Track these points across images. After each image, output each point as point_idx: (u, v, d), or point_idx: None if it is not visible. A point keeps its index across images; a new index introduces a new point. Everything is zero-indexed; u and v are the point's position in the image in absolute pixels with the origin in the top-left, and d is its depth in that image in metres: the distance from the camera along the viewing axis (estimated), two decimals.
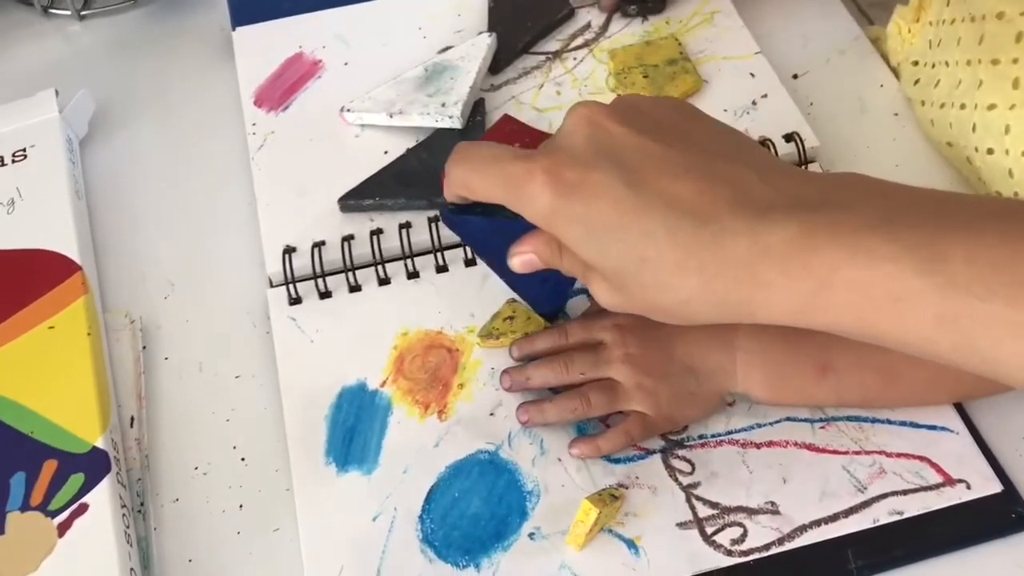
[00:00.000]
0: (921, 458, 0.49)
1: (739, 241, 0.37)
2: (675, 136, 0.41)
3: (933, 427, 0.50)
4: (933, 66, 0.59)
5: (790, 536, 0.47)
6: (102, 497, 0.47)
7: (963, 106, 0.55)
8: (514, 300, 0.54)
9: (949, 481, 0.48)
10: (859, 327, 0.38)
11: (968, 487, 0.48)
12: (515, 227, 0.43)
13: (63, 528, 0.47)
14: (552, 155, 0.40)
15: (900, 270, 0.35)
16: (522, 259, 0.44)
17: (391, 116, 0.62)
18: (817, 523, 0.47)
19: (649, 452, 0.50)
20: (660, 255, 0.38)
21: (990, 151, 0.53)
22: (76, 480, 0.48)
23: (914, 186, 0.39)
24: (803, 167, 0.59)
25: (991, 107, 0.53)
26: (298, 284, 0.56)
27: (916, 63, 0.62)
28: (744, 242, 0.37)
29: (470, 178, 0.43)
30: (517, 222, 0.42)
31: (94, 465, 0.48)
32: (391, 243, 0.57)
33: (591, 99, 0.43)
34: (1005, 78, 0.52)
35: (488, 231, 0.45)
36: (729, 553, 0.47)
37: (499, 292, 0.55)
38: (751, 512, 0.48)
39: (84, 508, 0.47)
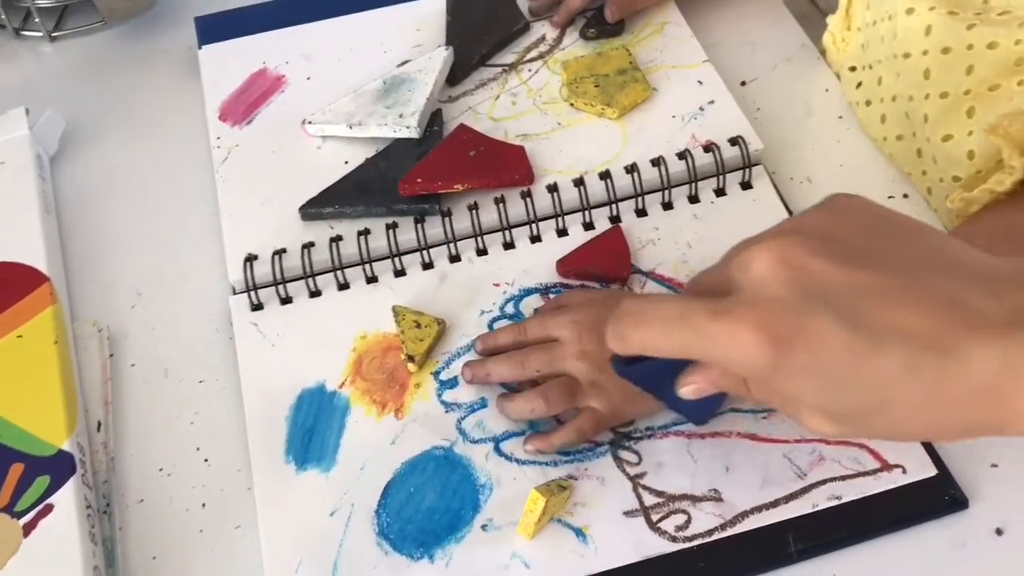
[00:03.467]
0: (859, 444, 0.51)
1: (989, 368, 0.35)
2: (877, 257, 0.37)
3: None
4: (871, 67, 0.61)
5: (732, 522, 0.49)
6: (67, 498, 0.49)
7: (911, 98, 0.57)
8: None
9: (886, 466, 0.50)
10: None
11: (904, 471, 0.50)
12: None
13: (28, 528, 0.48)
14: (755, 308, 0.37)
15: None
16: (693, 388, 0.42)
17: (351, 127, 0.64)
18: (758, 509, 0.49)
19: (598, 444, 0.52)
20: (903, 396, 0.35)
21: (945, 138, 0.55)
22: (42, 482, 0.50)
23: None
24: (747, 170, 0.61)
25: (910, 99, 0.55)
26: (260, 291, 0.58)
27: (853, 68, 0.64)
28: (994, 368, 0.35)
29: (656, 342, 0.39)
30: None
31: (59, 467, 0.50)
32: (350, 249, 0.59)
33: (759, 235, 0.39)
34: (917, 71, 0.54)
35: (662, 369, 0.43)
36: (674, 539, 0.48)
37: (454, 295, 0.58)
38: (695, 500, 0.49)
39: (49, 509, 0.49)
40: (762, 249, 0.37)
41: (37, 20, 0.75)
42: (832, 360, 0.36)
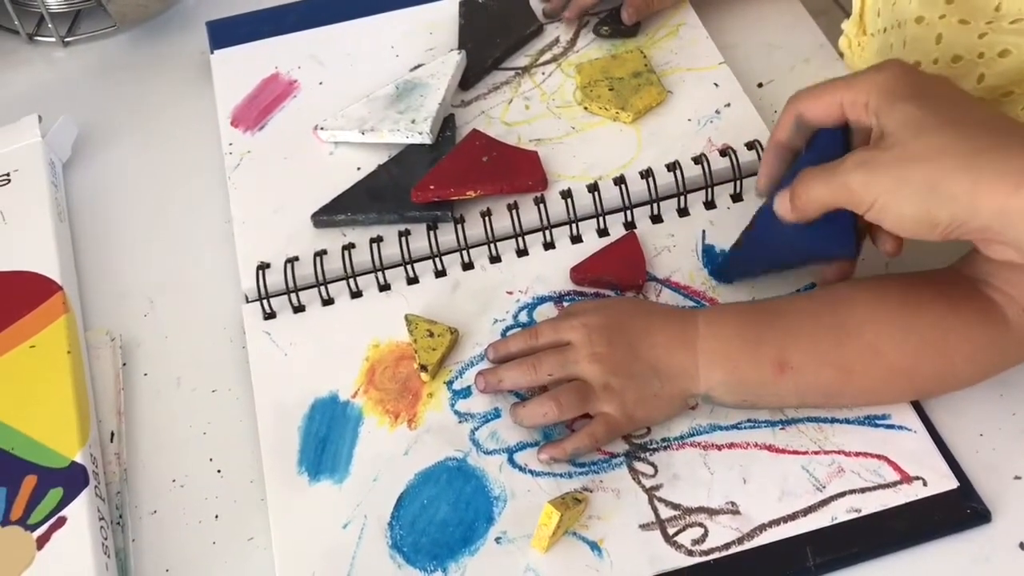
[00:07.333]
0: (879, 456, 0.50)
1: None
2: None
3: (891, 426, 0.51)
4: None
5: (750, 535, 0.48)
6: (80, 510, 0.49)
7: None
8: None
9: (906, 479, 0.49)
10: None
11: (925, 484, 0.49)
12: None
13: (41, 541, 0.48)
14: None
15: None
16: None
17: (363, 133, 0.64)
18: (776, 522, 0.48)
19: (613, 456, 0.51)
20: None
21: None
22: (55, 494, 0.49)
23: None
24: None
25: None
26: (272, 299, 0.57)
27: None
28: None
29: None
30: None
31: (72, 479, 0.50)
32: (363, 257, 0.58)
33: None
34: None
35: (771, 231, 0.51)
36: (690, 553, 0.48)
37: (467, 303, 0.57)
38: (712, 512, 0.49)
39: (62, 521, 0.49)
40: None
41: (50, 25, 0.75)
42: None
